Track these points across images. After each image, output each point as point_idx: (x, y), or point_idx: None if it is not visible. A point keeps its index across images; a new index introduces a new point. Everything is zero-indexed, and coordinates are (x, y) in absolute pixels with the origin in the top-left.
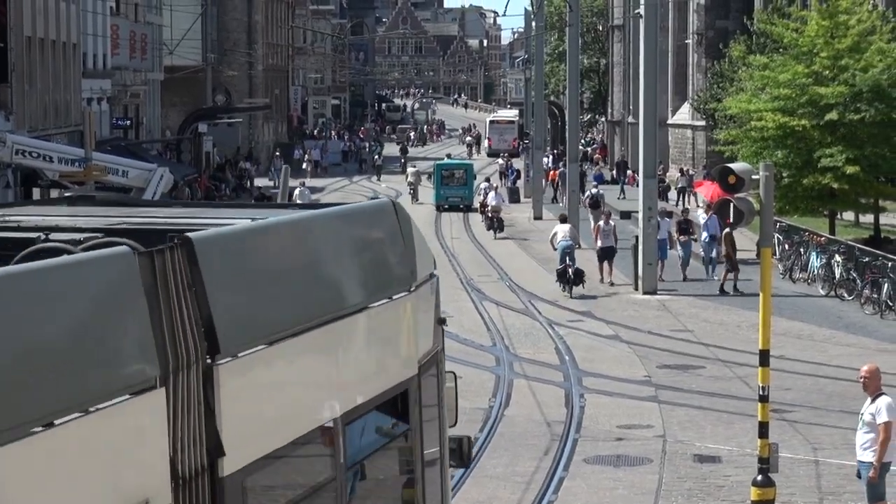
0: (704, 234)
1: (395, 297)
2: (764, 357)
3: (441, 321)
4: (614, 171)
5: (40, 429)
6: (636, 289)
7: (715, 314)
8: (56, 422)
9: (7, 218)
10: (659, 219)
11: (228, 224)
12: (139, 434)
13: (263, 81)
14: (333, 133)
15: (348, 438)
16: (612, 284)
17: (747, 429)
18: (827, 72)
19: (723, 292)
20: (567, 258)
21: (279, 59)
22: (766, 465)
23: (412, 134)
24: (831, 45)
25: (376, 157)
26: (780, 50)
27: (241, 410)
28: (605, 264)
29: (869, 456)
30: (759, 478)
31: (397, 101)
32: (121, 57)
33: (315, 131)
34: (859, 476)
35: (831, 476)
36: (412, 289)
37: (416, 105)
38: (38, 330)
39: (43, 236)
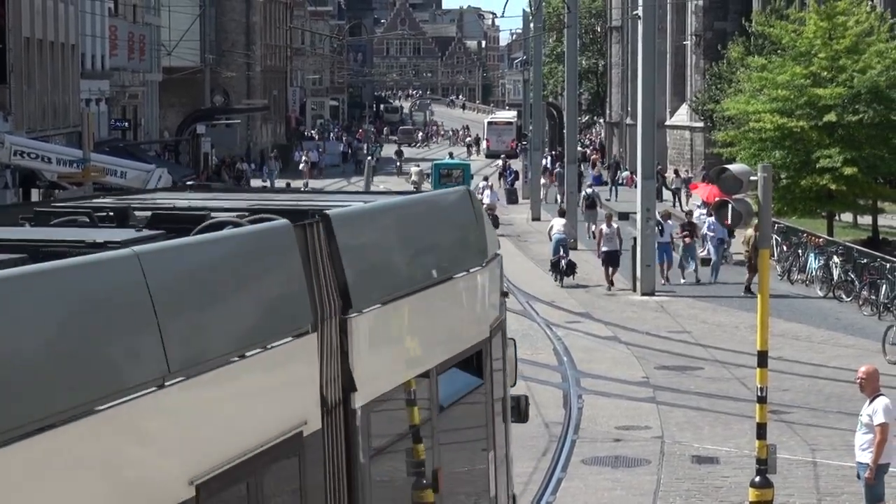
0: (713, 237)
1: (471, 270)
2: (762, 358)
3: (504, 294)
4: (606, 172)
5: (233, 360)
6: (634, 290)
7: (713, 315)
8: (247, 354)
9: (158, 202)
10: (662, 221)
11: (343, 206)
12: (300, 368)
13: (262, 82)
14: (331, 134)
15: (440, 386)
16: (611, 287)
17: (745, 430)
18: (825, 73)
19: (748, 292)
20: (561, 250)
21: (277, 61)
22: (764, 466)
23: (420, 135)
24: (829, 46)
25: (370, 157)
26: (779, 51)
27: (366, 356)
28: (611, 269)
29: (867, 457)
30: (757, 479)
31: (395, 102)
32: (119, 58)
33: (314, 132)
34: (859, 477)
35: (829, 477)
36: (484, 264)
37: (415, 106)
38: (235, 281)
39: (209, 214)
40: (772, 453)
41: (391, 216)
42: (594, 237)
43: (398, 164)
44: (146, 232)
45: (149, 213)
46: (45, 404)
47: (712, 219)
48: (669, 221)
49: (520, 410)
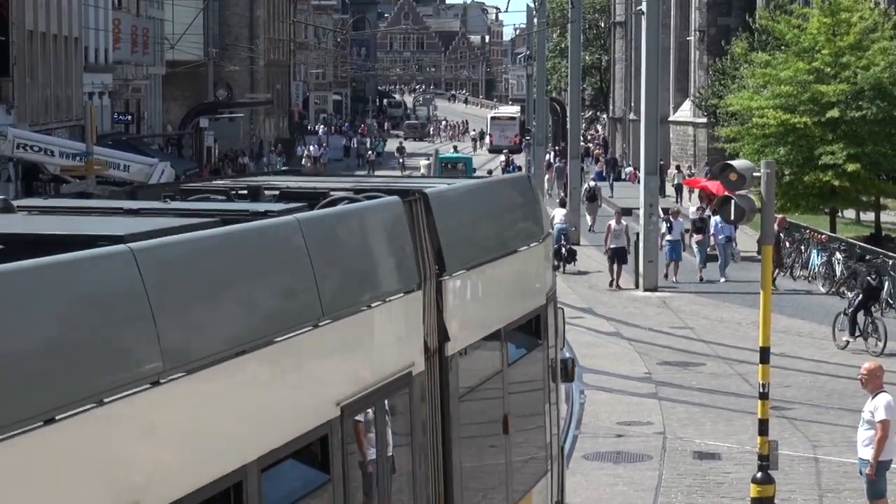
0: (721, 236)
1: (531, 245)
2: (764, 354)
3: (554, 267)
4: (604, 168)
5: (365, 308)
6: (637, 286)
7: (715, 311)
8: (372, 305)
9: (274, 183)
10: (672, 219)
11: (429, 187)
12: (410, 319)
13: (265, 76)
14: (332, 128)
15: (508, 344)
16: (619, 288)
17: (747, 426)
18: (828, 69)
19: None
20: (562, 238)
21: (281, 55)
22: (766, 462)
23: (431, 129)
24: (833, 42)
25: (370, 152)
26: (782, 47)
27: (456, 312)
28: (616, 266)
29: (869, 453)
30: (759, 475)
31: (398, 97)
32: (122, 51)
33: (317, 127)
34: (861, 473)
35: (831, 473)
36: (542, 240)
37: (419, 101)
38: (365, 245)
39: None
40: (773, 449)
41: (473, 195)
42: (594, 231)
43: (401, 160)
44: (291, 204)
45: (276, 192)
46: (233, 338)
47: (719, 217)
48: (679, 219)
49: (567, 371)
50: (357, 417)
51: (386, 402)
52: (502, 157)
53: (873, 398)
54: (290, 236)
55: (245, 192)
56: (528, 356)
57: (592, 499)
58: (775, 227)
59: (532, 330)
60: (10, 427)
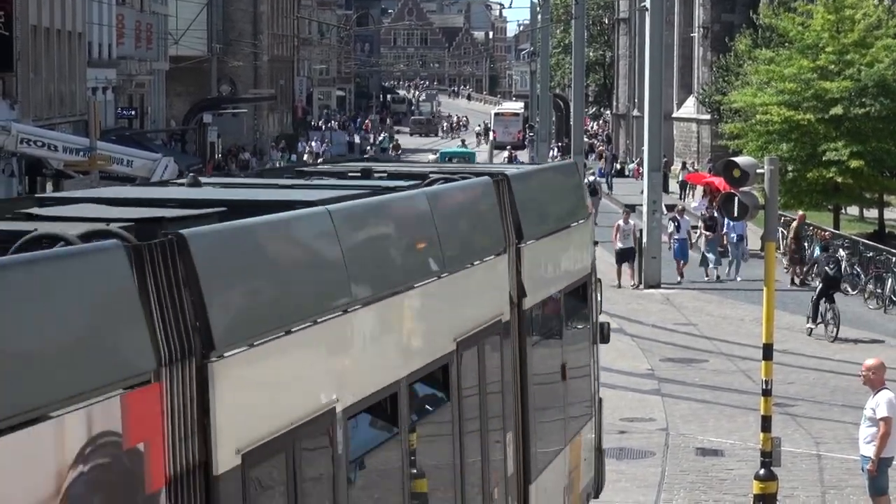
0: (733, 235)
1: (580, 221)
2: (767, 351)
3: (594, 242)
4: (602, 164)
5: (469, 265)
6: (640, 282)
7: (718, 308)
8: (474, 263)
9: (370, 166)
10: (679, 218)
11: (504, 171)
12: (500, 276)
13: (268, 72)
14: (339, 124)
15: (564, 306)
16: (636, 287)
17: (750, 422)
18: (832, 66)
19: (804, 284)
20: None
21: (284, 50)
22: (769, 458)
23: (445, 125)
24: (837, 39)
25: (369, 147)
26: (786, 44)
27: (529, 273)
28: (625, 266)
29: (871, 450)
30: (762, 471)
31: (402, 92)
32: (126, 47)
33: (321, 122)
34: (863, 470)
35: (834, 470)
36: (586, 217)
37: (422, 97)
38: (476, 213)
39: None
40: (776, 446)
41: (539, 178)
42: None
43: (397, 157)
44: (409, 182)
45: (384, 172)
46: (389, 281)
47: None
48: (686, 217)
49: (603, 333)
50: (467, 352)
51: (485, 342)
52: (505, 154)
53: (875, 395)
54: (422, 206)
55: (357, 173)
56: (579, 316)
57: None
58: (795, 224)
59: (580, 294)
60: (272, 331)
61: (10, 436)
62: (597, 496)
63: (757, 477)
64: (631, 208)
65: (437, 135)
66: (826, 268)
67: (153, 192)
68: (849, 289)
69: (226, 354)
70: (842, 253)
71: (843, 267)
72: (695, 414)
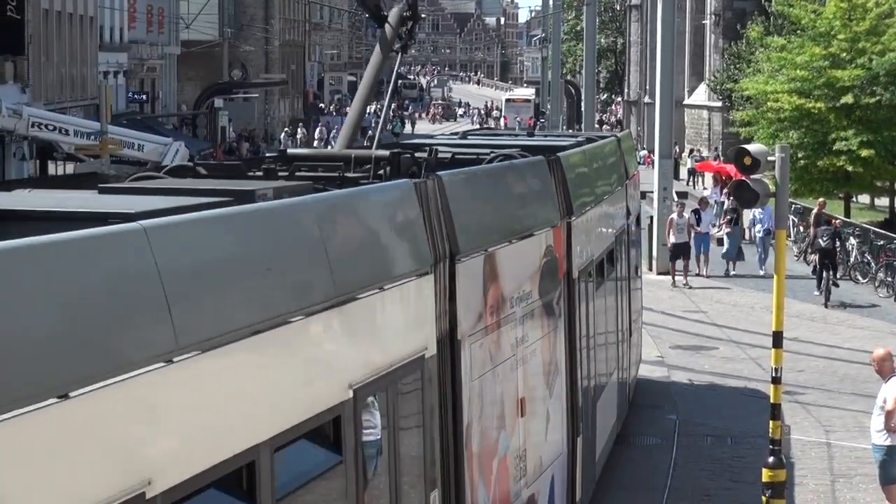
0: (758, 227)
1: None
2: (777, 339)
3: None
4: None
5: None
6: (650, 269)
7: (728, 295)
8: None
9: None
10: (702, 210)
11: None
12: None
13: (280, 57)
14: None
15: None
16: (688, 286)
17: (759, 410)
18: (844, 54)
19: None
20: None
21: (296, 35)
22: (778, 446)
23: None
24: (849, 27)
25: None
26: (798, 31)
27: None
28: (679, 262)
29: (882, 439)
30: (771, 459)
31: (414, 78)
32: (137, 31)
33: (331, 108)
34: (874, 459)
35: (843, 458)
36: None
37: (434, 83)
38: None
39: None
40: (786, 434)
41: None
42: None
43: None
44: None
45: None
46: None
47: (758, 209)
48: (707, 212)
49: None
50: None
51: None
52: None
53: (887, 384)
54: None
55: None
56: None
57: (605, 482)
58: (816, 210)
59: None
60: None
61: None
62: None
63: (766, 465)
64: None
65: (455, 119)
66: (819, 240)
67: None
68: (859, 277)
69: None
70: (852, 241)
71: (838, 239)
72: (704, 401)
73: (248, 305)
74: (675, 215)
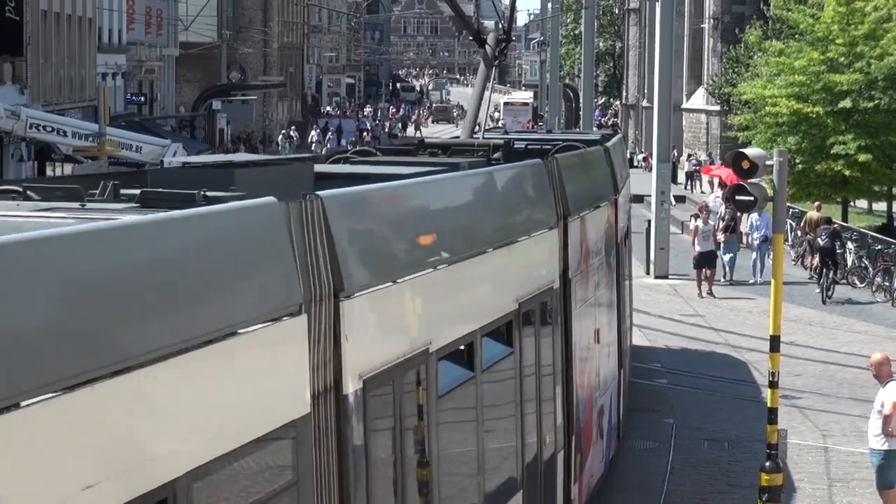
0: (756, 235)
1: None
2: (774, 343)
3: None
4: None
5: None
6: (647, 273)
7: (725, 299)
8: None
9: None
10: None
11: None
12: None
13: (278, 59)
14: (347, 112)
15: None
16: (711, 295)
17: (757, 414)
18: (842, 59)
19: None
20: None
21: (294, 37)
22: (775, 450)
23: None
24: (847, 32)
25: (365, 135)
26: (796, 36)
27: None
28: (705, 271)
29: (879, 444)
30: (768, 463)
31: (413, 81)
32: (136, 32)
33: (330, 110)
34: (872, 464)
35: (840, 463)
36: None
37: (431, 85)
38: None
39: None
40: (783, 438)
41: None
42: None
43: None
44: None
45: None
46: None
47: (755, 215)
48: (710, 222)
49: None
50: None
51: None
52: None
53: (884, 388)
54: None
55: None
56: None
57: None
58: (813, 214)
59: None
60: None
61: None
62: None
63: (763, 469)
64: (639, 199)
65: (453, 122)
66: (819, 239)
67: None
68: (857, 281)
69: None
70: (850, 246)
71: (838, 240)
72: (701, 405)
73: (485, 233)
74: (700, 222)
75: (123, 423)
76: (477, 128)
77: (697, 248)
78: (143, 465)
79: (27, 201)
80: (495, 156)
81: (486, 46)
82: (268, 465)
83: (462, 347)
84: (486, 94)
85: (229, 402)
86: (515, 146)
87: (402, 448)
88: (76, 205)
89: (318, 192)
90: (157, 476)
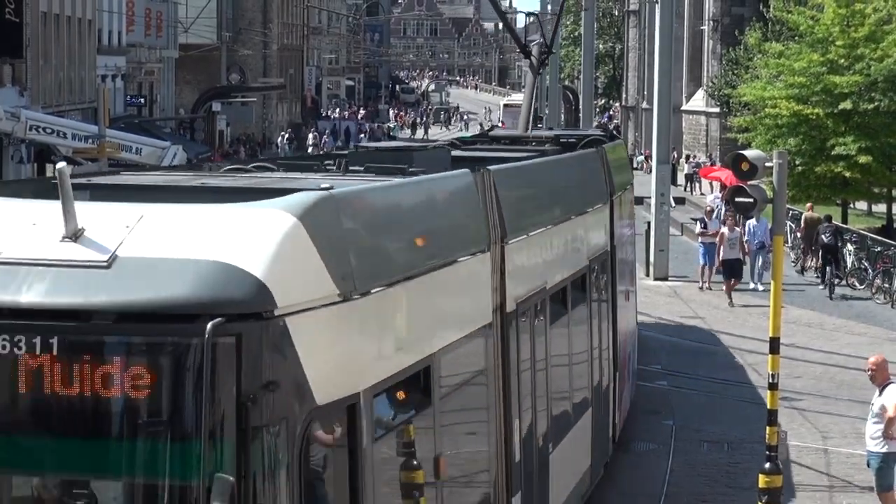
0: (755, 241)
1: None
2: (774, 344)
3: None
4: None
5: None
6: (647, 275)
7: (725, 301)
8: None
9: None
10: (707, 220)
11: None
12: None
13: (278, 61)
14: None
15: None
16: (731, 305)
17: (756, 416)
18: (842, 60)
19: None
20: None
21: (294, 39)
22: (775, 452)
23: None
24: (847, 33)
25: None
26: (796, 38)
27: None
28: (733, 280)
29: (877, 446)
30: (768, 465)
31: (412, 83)
32: (136, 34)
33: (329, 112)
34: (869, 465)
35: (839, 465)
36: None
37: (431, 87)
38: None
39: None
40: (782, 440)
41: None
42: None
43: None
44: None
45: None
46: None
47: (753, 221)
48: (714, 219)
49: None
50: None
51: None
52: None
53: (881, 392)
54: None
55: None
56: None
57: (601, 487)
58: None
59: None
60: None
61: None
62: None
63: (762, 471)
64: (639, 201)
65: (453, 124)
66: (822, 236)
67: None
68: (856, 283)
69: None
70: (850, 247)
71: (840, 237)
72: (701, 407)
73: (575, 202)
74: (725, 229)
75: (586, 232)
76: (492, 126)
77: (722, 256)
78: (423, 339)
79: (285, 171)
80: (547, 146)
81: (532, 57)
82: (475, 351)
83: (558, 291)
84: (533, 98)
85: (461, 305)
86: (561, 140)
87: (539, 353)
88: (337, 173)
89: (488, 167)
90: (430, 347)
